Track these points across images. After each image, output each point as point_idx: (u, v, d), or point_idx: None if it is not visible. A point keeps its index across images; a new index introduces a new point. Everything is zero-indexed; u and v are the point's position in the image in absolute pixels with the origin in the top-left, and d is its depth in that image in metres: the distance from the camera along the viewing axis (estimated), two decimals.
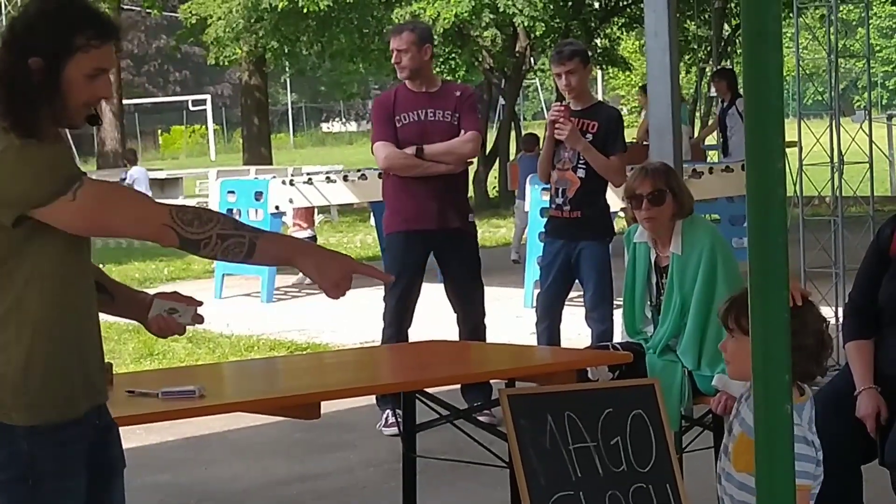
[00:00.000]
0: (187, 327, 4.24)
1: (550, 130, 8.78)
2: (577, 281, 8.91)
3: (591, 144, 8.65)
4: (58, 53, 3.83)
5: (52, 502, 3.96)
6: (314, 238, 16.22)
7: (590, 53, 26.53)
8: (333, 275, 3.95)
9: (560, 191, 8.74)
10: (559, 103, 8.96)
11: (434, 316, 9.67)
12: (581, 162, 8.69)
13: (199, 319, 4.19)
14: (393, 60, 8.77)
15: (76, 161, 3.89)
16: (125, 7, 37.09)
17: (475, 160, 9.10)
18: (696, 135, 17.76)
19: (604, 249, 8.79)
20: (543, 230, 9.17)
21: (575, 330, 9.48)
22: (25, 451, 3.91)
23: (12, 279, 3.87)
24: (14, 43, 3.88)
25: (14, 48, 3.87)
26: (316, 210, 23.07)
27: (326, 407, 5.49)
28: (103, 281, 4.29)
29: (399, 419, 6.62)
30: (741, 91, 17.41)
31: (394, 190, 8.74)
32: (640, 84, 19.00)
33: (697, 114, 24.03)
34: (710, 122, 17.83)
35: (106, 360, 4.24)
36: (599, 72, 47.69)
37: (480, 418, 7.32)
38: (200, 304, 4.22)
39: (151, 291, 4.31)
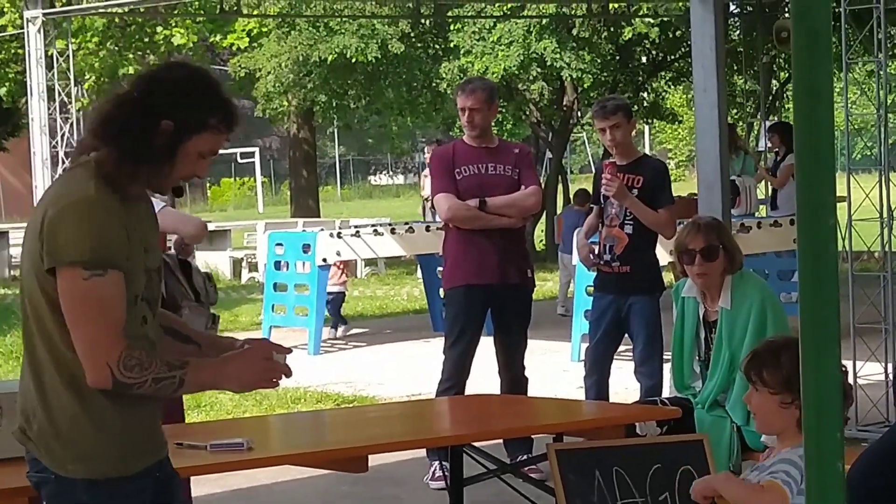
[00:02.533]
0: None
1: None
2: (626, 335, 8.88)
3: (638, 198, 8.63)
4: (190, 125, 3.95)
5: None
6: (343, 294, 16.12)
7: (636, 107, 26.66)
8: (253, 374, 4.09)
9: (608, 247, 8.72)
10: (608, 160, 8.94)
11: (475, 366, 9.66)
12: (629, 218, 8.66)
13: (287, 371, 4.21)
14: (464, 119, 8.74)
15: (125, 245, 3.93)
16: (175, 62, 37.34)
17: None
18: (759, 185, 17.76)
19: (654, 304, 8.76)
20: (592, 284, 9.15)
21: (622, 384, 9.45)
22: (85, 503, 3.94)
23: (62, 337, 3.90)
24: (147, 100, 3.96)
25: (146, 105, 3.95)
26: (363, 262, 23.22)
27: (374, 460, 5.49)
28: (187, 332, 4.32)
29: (447, 472, 6.61)
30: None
31: (455, 243, 8.74)
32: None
33: None
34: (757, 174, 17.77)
35: None
36: (647, 126, 47.75)
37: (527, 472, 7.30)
38: (289, 351, 4.25)
39: None
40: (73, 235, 3.84)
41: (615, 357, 9.06)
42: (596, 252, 8.81)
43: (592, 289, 9.25)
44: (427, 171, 21.78)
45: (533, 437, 8.26)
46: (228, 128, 4.03)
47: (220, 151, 4.23)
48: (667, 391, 8.20)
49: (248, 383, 4.14)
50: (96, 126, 4.02)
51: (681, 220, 12.89)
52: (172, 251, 7.39)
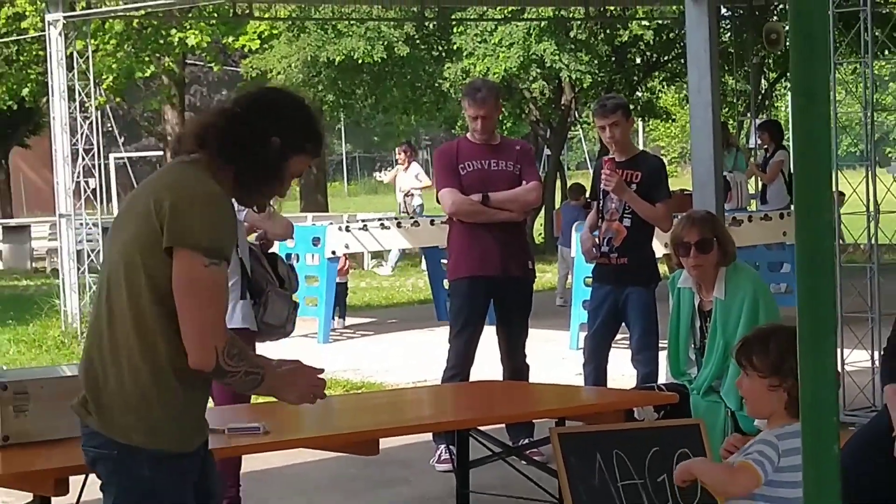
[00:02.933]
0: None
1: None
2: (622, 324, 8.90)
3: (636, 193, 8.65)
4: (293, 145, 4.15)
5: None
6: (344, 285, 16.13)
7: (632, 106, 26.60)
8: (307, 389, 4.30)
9: (607, 240, 8.73)
10: (607, 157, 8.94)
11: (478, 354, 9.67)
12: (627, 212, 8.69)
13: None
14: (479, 125, 8.74)
15: (234, 243, 4.24)
16: (188, 62, 37.31)
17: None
18: (749, 180, 17.78)
19: (650, 295, 8.79)
20: (591, 275, 9.17)
21: (619, 371, 9.45)
22: (148, 478, 4.01)
23: (166, 309, 4.01)
24: (254, 118, 4.14)
25: (253, 122, 4.13)
26: (370, 255, 23.16)
27: (382, 443, 5.49)
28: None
29: (453, 455, 6.62)
30: (784, 143, 17.40)
31: (459, 237, 8.76)
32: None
33: None
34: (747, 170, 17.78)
35: None
36: (641, 123, 47.71)
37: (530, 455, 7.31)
38: (322, 371, 4.39)
39: None
40: (200, 223, 3.97)
41: (613, 345, 9.09)
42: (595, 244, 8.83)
43: (591, 280, 9.25)
44: (399, 167, 21.71)
45: (534, 421, 8.29)
46: (317, 154, 4.26)
47: None
48: (663, 378, 8.21)
49: (301, 396, 4.31)
50: (199, 134, 4.15)
51: (675, 214, 12.93)
52: (256, 242, 7.54)
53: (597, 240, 8.81)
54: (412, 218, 16.28)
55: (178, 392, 4.04)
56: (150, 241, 3.99)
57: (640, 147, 47.21)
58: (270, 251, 7.50)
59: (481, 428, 6.19)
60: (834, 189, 9.87)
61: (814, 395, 2.57)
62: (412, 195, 21.24)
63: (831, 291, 2.57)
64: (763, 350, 4.42)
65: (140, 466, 4.02)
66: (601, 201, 8.81)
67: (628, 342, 9.00)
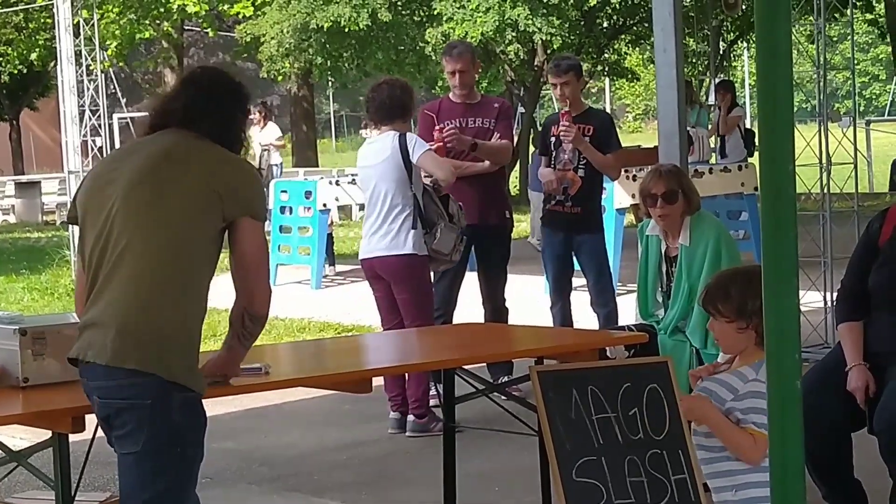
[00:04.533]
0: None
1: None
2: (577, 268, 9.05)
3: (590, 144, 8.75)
4: (245, 119, 4.59)
5: (192, 465, 4.18)
6: (330, 235, 16.10)
7: (600, 67, 26.52)
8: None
9: (563, 189, 8.77)
10: (564, 110, 8.92)
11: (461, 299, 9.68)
12: (581, 162, 8.74)
13: None
14: (456, 80, 8.75)
15: None
16: (186, 28, 37.09)
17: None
18: (710, 135, 17.78)
19: (601, 241, 8.97)
20: (542, 223, 9.22)
21: (582, 314, 9.49)
22: (177, 422, 4.06)
23: (207, 260, 4.24)
24: (230, 103, 4.49)
25: (230, 107, 4.48)
26: (357, 207, 23.11)
27: (373, 382, 5.51)
28: None
29: (439, 392, 6.63)
30: (738, 101, 17.38)
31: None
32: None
33: None
34: (709, 127, 17.75)
35: None
36: (608, 82, 47.60)
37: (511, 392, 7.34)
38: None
39: None
40: (258, 194, 4.34)
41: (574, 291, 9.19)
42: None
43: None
44: (255, 126, 21.14)
45: (513, 361, 8.31)
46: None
47: None
48: (632, 319, 8.24)
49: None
50: (184, 113, 4.40)
51: (641, 167, 12.95)
52: (430, 184, 8.03)
53: (552, 182, 8.81)
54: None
55: (199, 338, 4.23)
56: (206, 203, 4.19)
57: (608, 105, 46.89)
58: (444, 193, 8.05)
59: (465, 367, 6.20)
60: None
61: (777, 332, 2.58)
62: (269, 150, 20.89)
63: (793, 235, 2.58)
64: (725, 296, 4.42)
65: (171, 412, 4.05)
66: (553, 153, 8.86)
67: (586, 287, 9.06)
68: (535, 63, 25.94)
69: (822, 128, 9.78)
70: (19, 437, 5.57)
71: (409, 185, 7.85)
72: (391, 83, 8.10)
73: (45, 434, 4.59)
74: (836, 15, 19.42)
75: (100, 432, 4.36)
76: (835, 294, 7.84)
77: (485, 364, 8.42)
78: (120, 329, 4.06)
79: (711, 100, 20.09)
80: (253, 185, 4.32)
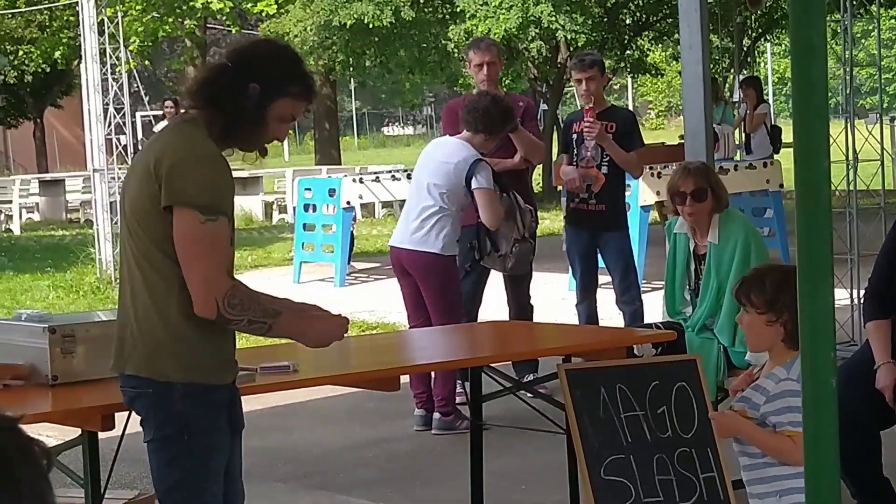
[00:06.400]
0: None
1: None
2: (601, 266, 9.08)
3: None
4: (273, 90, 4.12)
5: (204, 455, 4.15)
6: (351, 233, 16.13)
7: (623, 63, 26.47)
8: (329, 336, 4.32)
9: (587, 186, 8.76)
10: (588, 106, 8.90)
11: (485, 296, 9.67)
12: (605, 160, 8.73)
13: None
14: (482, 73, 8.69)
15: (233, 196, 4.20)
16: (209, 26, 37.14)
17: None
18: (735, 132, 17.74)
19: (626, 239, 8.94)
20: (565, 221, 9.21)
21: (608, 312, 9.47)
22: (179, 411, 4.06)
23: (173, 259, 4.03)
24: (238, 69, 4.13)
25: (236, 73, 4.12)
26: (380, 204, 23.12)
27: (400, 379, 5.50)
28: None
29: (465, 390, 6.63)
30: (765, 97, 17.33)
31: None
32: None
33: None
34: (735, 123, 17.74)
35: None
36: (630, 79, 47.50)
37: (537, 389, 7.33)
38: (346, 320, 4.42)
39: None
40: (194, 182, 4.00)
41: (599, 288, 9.18)
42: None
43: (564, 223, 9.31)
44: (163, 122, 21.12)
45: (538, 358, 8.30)
46: (306, 97, 4.23)
47: None
48: (657, 317, 8.22)
49: (323, 342, 4.33)
50: (194, 90, 4.18)
51: (665, 164, 12.93)
52: None
53: (576, 179, 8.80)
54: None
55: (204, 331, 4.08)
56: (151, 199, 4.03)
57: (630, 102, 46.89)
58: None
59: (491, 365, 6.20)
60: None
61: (812, 330, 2.57)
62: None
63: (828, 231, 2.55)
64: (759, 287, 4.42)
65: (174, 402, 4.07)
66: (575, 150, 8.85)
67: (611, 285, 9.05)
68: (558, 60, 25.90)
69: (849, 124, 9.74)
70: (48, 434, 5.59)
71: (457, 199, 7.84)
72: (496, 98, 8.04)
73: (75, 432, 4.60)
74: (861, 11, 19.33)
75: (129, 430, 4.38)
76: (862, 291, 7.82)
77: (510, 363, 8.42)
78: (118, 338, 4.18)
79: (736, 96, 20.05)
80: (190, 172, 4.01)
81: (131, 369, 4.11)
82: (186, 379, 4.06)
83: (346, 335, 4.37)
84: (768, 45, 34.72)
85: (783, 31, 27.94)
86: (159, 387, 4.07)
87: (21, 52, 33.39)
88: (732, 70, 22.43)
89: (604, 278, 9.21)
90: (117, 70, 15.97)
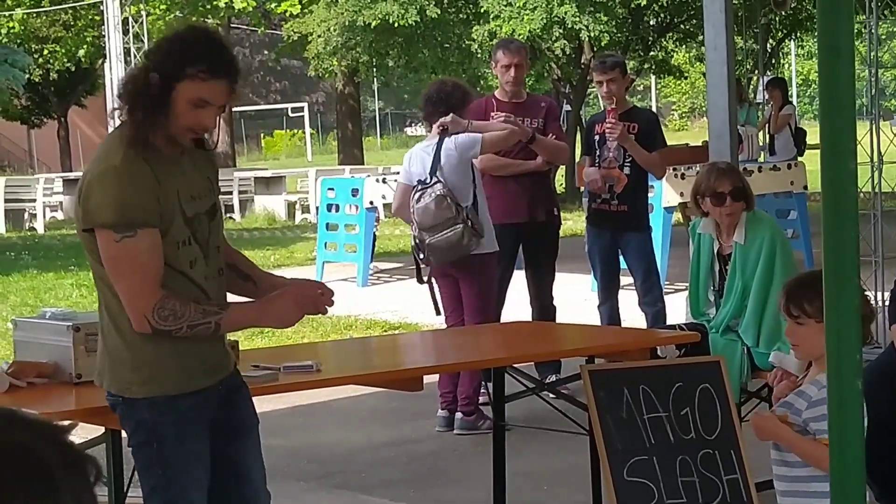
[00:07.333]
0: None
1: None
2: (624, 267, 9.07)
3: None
4: (172, 75, 3.94)
5: (177, 463, 4.09)
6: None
7: (647, 65, 26.42)
8: (295, 312, 4.09)
9: (609, 186, 8.76)
10: (610, 107, 8.90)
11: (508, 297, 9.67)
12: (627, 160, 8.73)
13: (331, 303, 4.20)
14: (509, 74, 8.71)
15: (155, 203, 3.96)
16: (233, 26, 37.22)
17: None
18: (759, 133, 17.71)
19: (648, 240, 8.96)
20: (587, 222, 9.20)
21: (630, 313, 9.46)
22: (148, 420, 4.04)
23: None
24: (147, 63, 4.04)
25: (144, 68, 4.03)
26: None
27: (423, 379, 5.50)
28: (247, 270, 4.35)
29: (489, 390, 6.63)
30: (790, 99, 17.29)
31: (489, 187, 8.73)
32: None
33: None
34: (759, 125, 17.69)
35: (232, 339, 4.32)
36: (654, 80, 47.42)
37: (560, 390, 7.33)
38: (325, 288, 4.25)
39: None
40: (102, 201, 3.91)
41: (621, 289, 9.17)
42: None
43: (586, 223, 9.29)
44: None
45: (561, 359, 8.30)
46: (211, 76, 3.94)
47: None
48: (680, 318, 8.21)
49: (288, 321, 4.16)
50: (118, 93, 4.14)
51: (689, 165, 12.91)
52: None
53: (597, 180, 8.80)
54: None
55: (161, 343, 4.01)
56: (79, 221, 4.04)
57: (654, 103, 46.87)
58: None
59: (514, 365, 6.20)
60: None
61: (838, 331, 2.57)
62: None
63: (854, 232, 2.56)
64: (815, 295, 4.36)
65: (141, 412, 4.07)
66: (598, 151, 8.85)
67: (633, 287, 9.05)
68: (582, 61, 25.88)
69: (874, 126, 9.71)
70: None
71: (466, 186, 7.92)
72: (438, 84, 8.18)
73: (98, 430, 4.61)
74: (886, 13, 19.26)
75: None
76: (886, 294, 7.79)
77: (532, 363, 8.41)
78: (97, 352, 4.22)
79: (760, 98, 19.99)
80: (98, 190, 3.92)
81: (105, 384, 4.15)
82: (149, 394, 4.05)
83: (327, 306, 4.13)
84: (792, 45, 34.66)
85: (807, 33, 27.87)
86: (126, 400, 4.09)
87: (46, 51, 33.53)
88: (756, 71, 22.36)
89: (626, 279, 9.20)
90: None
